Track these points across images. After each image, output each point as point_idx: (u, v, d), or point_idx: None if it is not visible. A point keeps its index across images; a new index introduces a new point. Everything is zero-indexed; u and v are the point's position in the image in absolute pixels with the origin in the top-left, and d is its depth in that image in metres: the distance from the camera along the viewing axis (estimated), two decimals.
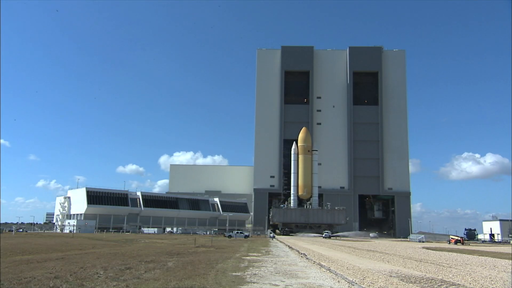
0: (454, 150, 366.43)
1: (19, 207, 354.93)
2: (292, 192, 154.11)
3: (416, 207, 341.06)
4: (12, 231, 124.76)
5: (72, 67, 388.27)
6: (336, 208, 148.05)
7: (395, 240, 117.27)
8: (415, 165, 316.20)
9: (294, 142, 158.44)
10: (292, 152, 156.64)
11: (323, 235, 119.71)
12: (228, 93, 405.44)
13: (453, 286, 18.88)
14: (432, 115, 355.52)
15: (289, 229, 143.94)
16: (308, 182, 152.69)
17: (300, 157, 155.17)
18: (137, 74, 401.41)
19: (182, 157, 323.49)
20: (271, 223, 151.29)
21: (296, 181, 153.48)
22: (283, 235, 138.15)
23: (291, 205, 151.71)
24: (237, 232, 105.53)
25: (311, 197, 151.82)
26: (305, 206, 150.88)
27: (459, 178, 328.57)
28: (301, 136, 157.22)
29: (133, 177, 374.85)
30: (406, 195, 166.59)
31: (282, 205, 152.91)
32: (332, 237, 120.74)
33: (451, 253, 49.90)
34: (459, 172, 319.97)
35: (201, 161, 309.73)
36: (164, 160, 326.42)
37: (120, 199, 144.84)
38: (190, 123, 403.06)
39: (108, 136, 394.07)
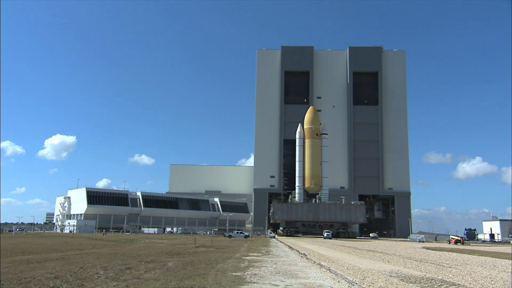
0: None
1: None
2: (297, 184, 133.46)
3: (439, 209, 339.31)
4: (12, 231, 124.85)
5: (73, 67, 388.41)
6: (352, 203, 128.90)
7: (395, 240, 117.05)
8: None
9: (300, 124, 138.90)
10: (297, 135, 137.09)
11: (324, 236, 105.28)
12: (228, 93, 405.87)
13: (453, 286, 18.87)
14: (432, 115, 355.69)
15: (294, 228, 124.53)
16: (317, 172, 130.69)
17: (307, 142, 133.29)
18: (136, 73, 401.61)
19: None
20: (271, 221, 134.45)
21: (302, 171, 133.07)
22: (287, 236, 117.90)
23: (296, 200, 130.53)
24: (237, 232, 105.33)
25: (319, 190, 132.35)
26: (313, 201, 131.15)
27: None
28: (308, 116, 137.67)
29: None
30: (406, 195, 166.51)
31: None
32: (336, 238, 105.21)
33: (451, 253, 49.89)
34: None
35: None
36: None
37: (120, 199, 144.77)
38: (189, 123, 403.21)
39: (107, 134, 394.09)
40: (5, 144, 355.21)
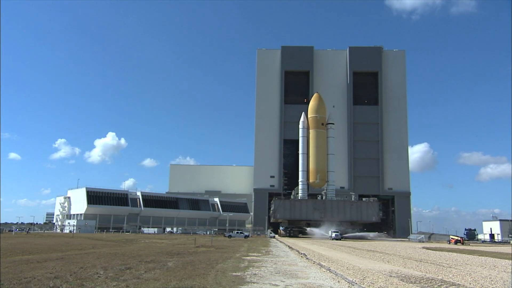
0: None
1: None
2: (300, 179, 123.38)
3: (450, 209, 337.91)
4: (12, 231, 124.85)
5: (72, 65, 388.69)
6: (364, 199, 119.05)
7: (395, 240, 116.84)
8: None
9: (303, 113, 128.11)
10: (300, 125, 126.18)
11: (332, 236, 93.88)
12: (228, 93, 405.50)
13: (453, 286, 18.88)
14: (432, 115, 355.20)
15: (298, 228, 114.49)
16: (322, 166, 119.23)
17: (311, 132, 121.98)
18: (137, 73, 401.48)
19: None
20: (272, 220, 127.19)
21: (306, 165, 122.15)
22: (289, 236, 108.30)
23: (300, 196, 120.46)
24: (237, 232, 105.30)
25: (324, 186, 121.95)
26: (317, 197, 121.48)
27: None
28: (312, 104, 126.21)
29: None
30: (406, 195, 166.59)
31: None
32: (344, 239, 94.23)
33: (451, 253, 49.87)
34: None
35: None
36: None
37: (120, 199, 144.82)
38: (189, 122, 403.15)
39: (108, 132, 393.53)
40: (58, 143, 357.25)
